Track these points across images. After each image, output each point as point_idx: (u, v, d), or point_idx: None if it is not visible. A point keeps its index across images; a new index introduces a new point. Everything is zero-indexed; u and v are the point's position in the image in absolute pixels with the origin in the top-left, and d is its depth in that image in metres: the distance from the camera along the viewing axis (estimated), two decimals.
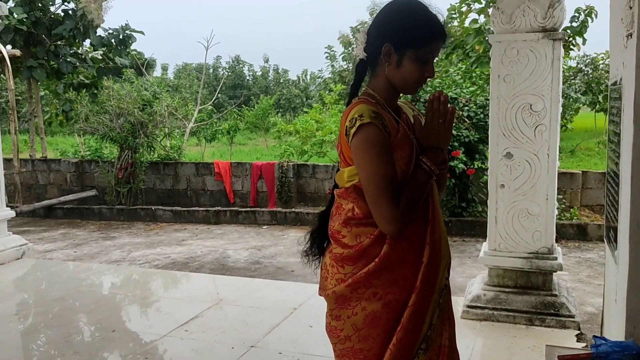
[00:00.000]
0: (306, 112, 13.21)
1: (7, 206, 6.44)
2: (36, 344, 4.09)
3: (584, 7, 8.61)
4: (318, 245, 2.04)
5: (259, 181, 10.46)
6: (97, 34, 12.23)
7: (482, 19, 9.35)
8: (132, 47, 13.63)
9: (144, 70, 14.93)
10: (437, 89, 8.66)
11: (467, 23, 9.62)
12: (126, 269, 6.48)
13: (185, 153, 12.65)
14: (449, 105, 1.86)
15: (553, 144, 4.15)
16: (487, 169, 6.58)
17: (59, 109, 13.89)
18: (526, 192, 4.23)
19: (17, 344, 4.13)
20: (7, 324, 4.43)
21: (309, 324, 4.25)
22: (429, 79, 2.01)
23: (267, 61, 37.02)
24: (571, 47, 8.82)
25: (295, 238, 8.16)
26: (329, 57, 20.36)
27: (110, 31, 12.56)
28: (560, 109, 4.24)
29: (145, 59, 16.12)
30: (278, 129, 12.94)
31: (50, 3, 12.33)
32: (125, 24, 12.76)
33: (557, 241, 4.39)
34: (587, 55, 16.97)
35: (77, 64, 12.71)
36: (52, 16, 12.12)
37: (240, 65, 36.63)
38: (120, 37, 12.61)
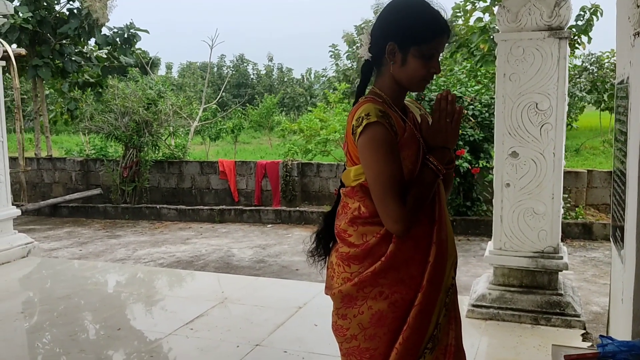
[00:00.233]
0: (310, 111, 13.20)
1: (12, 204, 6.46)
2: (42, 342, 4.11)
3: (590, 6, 8.60)
4: (324, 245, 2.04)
5: (264, 180, 10.47)
6: (102, 33, 12.24)
7: (486, 17, 9.36)
8: (136, 46, 13.65)
9: (148, 69, 14.95)
10: (442, 87, 8.64)
11: (471, 22, 9.63)
12: (131, 267, 6.50)
13: (190, 152, 12.67)
14: (456, 105, 1.86)
15: (559, 143, 4.13)
16: (491, 168, 6.57)
17: (64, 108, 13.92)
18: (532, 191, 4.21)
19: (22, 342, 4.15)
20: (13, 322, 4.45)
21: (314, 322, 4.25)
22: (435, 76, 2.01)
23: (271, 60, 36.99)
24: (576, 45, 8.81)
25: (300, 237, 8.17)
26: (333, 56, 20.35)
27: (115, 30, 12.58)
28: (567, 108, 4.22)
29: (150, 58, 16.14)
30: (282, 128, 12.94)
31: (56, 2, 12.35)
32: (130, 22, 12.77)
33: (562, 240, 4.38)
34: (592, 54, 16.92)
35: (82, 62, 12.73)
36: (57, 15, 12.14)
37: (245, 64, 36.60)
38: (125, 35, 12.62)
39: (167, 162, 11.18)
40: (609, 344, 1.93)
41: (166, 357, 3.80)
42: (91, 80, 13.04)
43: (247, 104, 25.07)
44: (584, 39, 8.82)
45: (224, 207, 9.90)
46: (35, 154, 12.56)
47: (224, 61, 36.96)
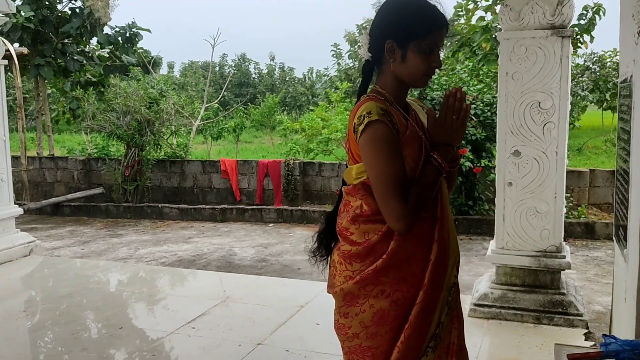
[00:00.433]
0: (312, 110, 13.20)
1: (14, 203, 6.47)
2: (44, 340, 4.11)
3: (592, 5, 8.57)
4: (325, 245, 2.04)
5: (265, 179, 10.47)
6: (104, 32, 12.24)
7: (489, 16, 9.33)
8: (138, 45, 13.64)
9: (150, 68, 14.95)
10: (444, 87, 8.63)
11: (473, 20, 9.61)
12: (133, 266, 6.50)
13: (192, 151, 12.67)
14: (464, 103, 1.85)
15: (562, 142, 4.12)
16: (494, 167, 6.56)
17: (66, 107, 13.92)
18: (534, 190, 4.21)
19: (25, 341, 4.15)
20: (15, 320, 4.45)
21: (316, 321, 4.25)
22: (437, 71, 2.01)
23: (273, 59, 36.96)
24: (579, 44, 8.78)
25: (302, 236, 8.17)
26: (335, 55, 20.35)
27: (117, 29, 12.57)
28: (569, 107, 4.21)
29: (152, 57, 16.15)
30: (284, 127, 12.94)
31: (58, 1, 12.35)
32: (132, 22, 12.77)
33: (564, 240, 4.37)
34: (594, 53, 16.88)
35: (84, 62, 12.73)
36: (60, 14, 12.14)
37: (246, 63, 36.59)
38: (127, 35, 12.61)
39: (169, 161, 11.19)
40: (612, 343, 1.92)
41: (168, 356, 3.80)
42: (93, 79, 13.04)
43: (249, 103, 25.06)
44: (587, 38, 8.79)
45: (225, 206, 9.91)
46: (37, 153, 12.57)
47: (226, 60, 36.97)
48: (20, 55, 10.60)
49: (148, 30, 13.11)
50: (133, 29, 12.68)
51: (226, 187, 10.80)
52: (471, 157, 8.12)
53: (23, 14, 11.25)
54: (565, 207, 5.43)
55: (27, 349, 4.02)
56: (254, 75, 36.45)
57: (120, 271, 6.12)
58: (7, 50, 9.14)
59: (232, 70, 35.26)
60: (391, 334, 1.81)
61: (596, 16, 8.58)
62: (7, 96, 6.29)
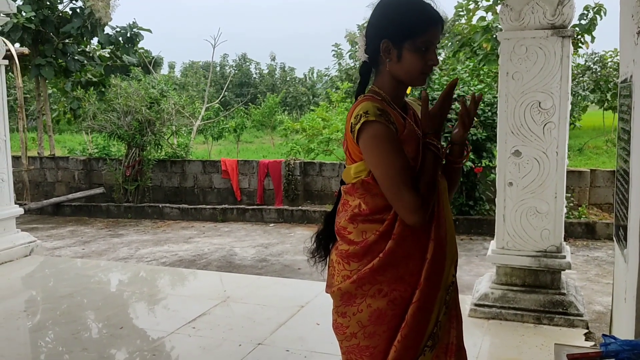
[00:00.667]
0: (313, 110, 13.20)
1: (15, 203, 6.47)
2: (44, 340, 4.12)
3: (593, 5, 8.57)
4: (324, 246, 2.04)
5: (266, 179, 10.47)
6: (105, 32, 12.26)
7: (489, 16, 9.33)
8: (139, 45, 13.65)
9: (151, 68, 14.95)
10: (445, 86, 8.63)
11: (474, 20, 9.60)
12: (134, 266, 6.50)
13: (193, 151, 12.68)
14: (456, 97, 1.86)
15: (562, 142, 4.12)
16: (494, 167, 6.56)
17: (67, 107, 13.93)
18: (534, 190, 4.21)
19: (25, 341, 4.15)
20: (15, 320, 4.46)
21: (316, 321, 4.25)
22: (434, 69, 2.02)
23: (273, 59, 36.95)
24: (580, 44, 8.78)
25: (302, 236, 8.17)
26: (335, 55, 20.33)
27: (118, 29, 12.58)
28: (570, 107, 4.21)
29: (153, 57, 16.14)
30: (285, 127, 12.94)
31: (59, 1, 12.36)
32: (133, 22, 12.78)
33: (565, 240, 4.37)
34: (595, 53, 16.86)
35: (85, 62, 12.75)
36: (60, 14, 12.15)
37: (247, 64, 36.59)
38: (128, 35, 12.62)
39: (169, 161, 11.19)
40: (612, 343, 1.92)
41: (168, 356, 3.81)
42: (94, 79, 13.06)
43: (250, 103, 25.06)
44: (587, 38, 8.79)
45: (226, 206, 9.91)
46: (38, 153, 12.58)
47: (227, 60, 36.97)
48: (21, 55, 10.60)
49: (149, 30, 13.12)
50: (134, 29, 12.69)
51: (227, 187, 10.81)
52: (472, 157, 8.12)
53: (24, 14, 11.26)
54: (566, 207, 5.44)
55: (28, 348, 4.02)
56: (254, 75, 36.45)
57: (121, 271, 6.12)
58: (8, 50, 9.14)
59: (233, 70, 35.27)
60: (389, 333, 1.81)
61: (597, 16, 8.57)
62: (7, 96, 6.30)
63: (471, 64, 9.90)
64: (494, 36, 8.70)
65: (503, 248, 4.33)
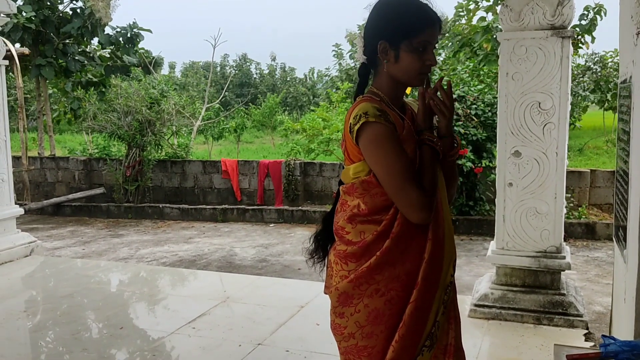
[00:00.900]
0: (313, 111, 13.20)
1: (15, 204, 6.47)
2: (45, 340, 4.12)
3: (593, 5, 8.57)
4: (322, 247, 2.04)
5: (266, 179, 10.47)
6: (105, 32, 12.26)
7: (489, 16, 9.33)
8: (139, 46, 13.66)
9: (151, 68, 14.95)
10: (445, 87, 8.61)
11: (474, 21, 9.60)
12: (134, 266, 6.51)
13: (193, 151, 12.68)
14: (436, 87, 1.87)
15: (562, 143, 4.12)
16: (494, 167, 6.56)
17: (67, 107, 13.93)
18: (534, 191, 4.21)
19: (25, 341, 4.15)
20: (15, 320, 4.46)
21: (316, 322, 4.25)
22: (438, 72, 2.02)
23: (274, 59, 36.99)
24: (580, 45, 8.78)
25: (302, 236, 8.17)
26: (336, 55, 20.32)
27: (118, 29, 12.59)
28: (569, 107, 4.21)
29: (153, 57, 16.13)
30: (285, 127, 12.94)
31: (59, 1, 12.37)
32: (133, 22, 12.78)
33: (565, 240, 4.37)
34: (595, 54, 16.86)
35: (85, 62, 12.75)
36: (61, 14, 12.16)
37: (247, 64, 36.62)
38: (128, 35, 12.63)
39: (169, 162, 11.20)
40: (612, 344, 1.93)
41: (168, 356, 3.81)
42: (94, 79, 13.06)
43: (250, 104, 25.07)
44: (588, 38, 8.79)
45: (226, 206, 9.91)
46: (38, 153, 12.59)
47: (227, 61, 37.01)
48: (21, 56, 10.60)
49: (149, 30, 13.12)
50: (134, 29, 12.69)
51: (227, 187, 10.81)
52: (472, 157, 8.12)
53: (24, 14, 11.27)
54: (566, 207, 5.44)
55: (28, 349, 4.02)
56: (255, 76, 36.48)
57: (121, 271, 6.13)
58: (8, 50, 9.15)
59: (233, 71, 35.31)
60: (386, 333, 1.81)
61: (597, 16, 8.57)
62: (8, 96, 6.30)
63: (471, 64, 9.90)
64: (494, 36, 8.70)
65: (503, 248, 4.33)
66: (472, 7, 9.61)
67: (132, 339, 4.07)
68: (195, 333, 4.09)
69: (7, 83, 6.25)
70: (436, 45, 1.88)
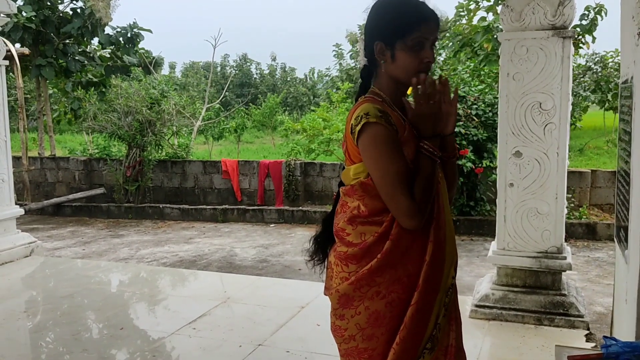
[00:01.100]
0: (313, 111, 13.20)
1: (15, 204, 6.47)
2: (45, 341, 4.11)
3: (594, 5, 8.56)
4: (322, 249, 2.03)
5: (266, 179, 10.47)
6: (105, 32, 12.27)
7: (490, 16, 9.32)
8: (140, 46, 13.66)
9: (151, 68, 14.95)
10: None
11: (475, 21, 9.59)
12: (134, 266, 6.50)
13: (193, 151, 12.68)
14: (441, 84, 1.82)
15: (563, 143, 4.12)
16: (495, 167, 6.55)
17: (68, 107, 13.94)
18: (535, 191, 4.20)
19: (25, 341, 4.15)
20: (15, 321, 4.45)
21: (317, 322, 4.24)
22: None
23: (274, 59, 36.98)
24: (580, 45, 8.78)
25: (303, 236, 8.17)
26: (336, 55, 20.32)
27: (118, 29, 12.59)
28: (570, 108, 4.21)
29: (153, 58, 16.14)
30: (285, 127, 12.94)
31: (59, 1, 12.37)
32: (133, 22, 12.78)
33: (566, 240, 4.37)
34: (596, 54, 16.83)
35: (86, 62, 12.75)
36: (61, 14, 12.16)
37: (248, 64, 36.61)
38: (128, 35, 12.63)
39: (170, 162, 11.19)
40: (613, 345, 1.92)
41: (169, 357, 3.80)
42: (94, 79, 13.06)
43: (250, 104, 25.07)
44: (588, 38, 8.78)
45: (226, 206, 9.91)
46: (38, 153, 12.59)
47: (227, 61, 37.00)
48: (21, 56, 10.60)
49: (149, 30, 13.12)
50: (134, 30, 12.69)
51: (227, 187, 10.81)
52: (473, 157, 8.11)
53: (24, 14, 11.27)
54: (567, 207, 5.43)
55: (28, 349, 4.02)
56: (255, 76, 36.47)
57: (122, 271, 6.12)
58: (9, 50, 9.14)
59: (234, 71, 35.30)
60: (387, 335, 1.80)
61: (598, 16, 8.57)
62: (8, 96, 6.30)
63: (472, 64, 9.89)
64: (495, 36, 8.70)
65: (504, 249, 4.32)
66: (472, 7, 9.60)
67: (133, 340, 4.06)
68: (195, 333, 4.09)
69: (7, 83, 6.25)
70: (436, 42, 1.86)
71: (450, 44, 10.46)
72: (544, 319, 4.14)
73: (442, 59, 12.36)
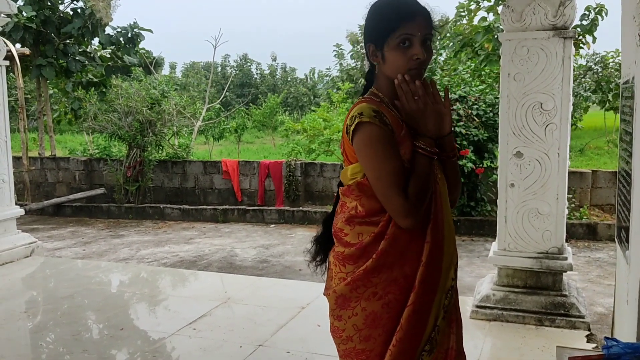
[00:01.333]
0: (314, 111, 13.19)
1: (16, 204, 6.47)
2: (45, 341, 4.11)
3: (594, 6, 8.57)
4: (323, 249, 2.03)
5: (267, 180, 10.47)
6: (106, 33, 12.27)
7: (491, 17, 9.33)
8: (140, 46, 13.67)
9: (152, 68, 14.96)
10: (444, 87, 8.62)
11: (475, 21, 9.60)
12: (134, 267, 6.50)
13: (193, 151, 12.68)
14: (418, 82, 1.79)
15: (563, 143, 4.11)
16: (496, 168, 6.54)
17: (68, 108, 13.95)
18: (536, 192, 4.19)
19: (26, 342, 4.15)
20: (16, 321, 4.45)
21: (317, 323, 4.24)
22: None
23: (274, 59, 37.00)
24: (581, 45, 8.78)
25: (303, 237, 8.16)
26: (337, 55, 20.30)
27: (119, 29, 12.60)
28: (571, 108, 4.20)
29: (154, 58, 16.15)
30: (285, 128, 12.94)
31: (59, 1, 12.37)
32: (134, 22, 12.79)
33: (566, 241, 4.36)
34: (597, 54, 16.84)
35: (86, 62, 12.76)
36: (61, 15, 12.17)
37: (248, 64, 36.63)
38: (129, 35, 12.64)
39: (170, 162, 11.19)
40: (614, 346, 1.92)
41: (169, 357, 3.80)
42: (95, 79, 13.07)
43: (251, 104, 25.07)
44: (589, 38, 8.79)
45: (227, 207, 9.91)
46: (39, 153, 12.59)
47: (228, 61, 37.02)
48: (22, 56, 10.60)
49: (150, 30, 13.13)
50: (135, 30, 12.70)
51: (227, 187, 10.81)
52: (473, 158, 8.10)
53: (25, 14, 11.28)
54: (567, 208, 5.42)
55: (28, 349, 4.02)
56: (255, 76, 36.49)
57: (122, 272, 6.12)
58: (9, 50, 9.14)
59: (234, 71, 35.32)
60: (384, 336, 1.79)
61: (598, 17, 8.58)
62: (8, 97, 6.29)
63: (473, 64, 9.90)
64: (496, 37, 8.69)
65: (504, 249, 4.31)
66: (473, 7, 9.61)
67: (133, 340, 4.06)
68: (195, 334, 4.08)
69: (7, 83, 6.25)
70: (429, 38, 1.82)
71: (451, 44, 10.46)
72: (545, 319, 4.13)
73: (442, 59, 12.36)
